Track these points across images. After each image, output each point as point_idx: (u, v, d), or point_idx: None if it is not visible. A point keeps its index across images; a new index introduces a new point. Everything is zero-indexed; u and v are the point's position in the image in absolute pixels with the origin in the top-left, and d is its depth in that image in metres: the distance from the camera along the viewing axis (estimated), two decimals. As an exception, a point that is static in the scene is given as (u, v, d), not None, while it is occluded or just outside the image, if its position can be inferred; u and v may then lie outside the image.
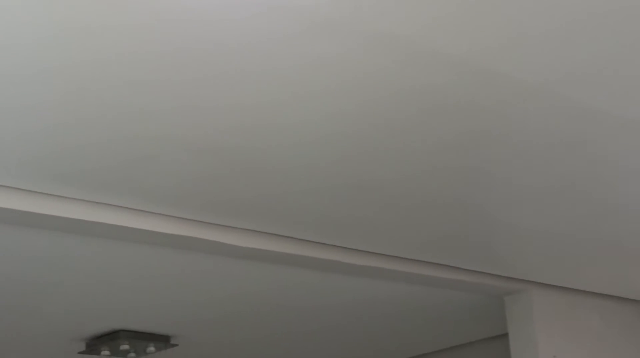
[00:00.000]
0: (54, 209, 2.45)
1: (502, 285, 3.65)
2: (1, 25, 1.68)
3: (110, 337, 3.99)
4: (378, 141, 2.32)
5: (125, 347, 3.97)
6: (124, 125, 2.11)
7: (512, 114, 2.25)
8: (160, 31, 1.76)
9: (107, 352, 4.03)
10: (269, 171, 2.45)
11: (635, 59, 2.04)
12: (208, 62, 1.88)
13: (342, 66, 1.94)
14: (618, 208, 3.01)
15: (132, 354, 4.08)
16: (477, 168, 2.57)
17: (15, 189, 2.38)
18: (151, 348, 4.06)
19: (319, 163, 2.42)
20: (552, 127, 2.35)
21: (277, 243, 2.90)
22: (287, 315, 4.01)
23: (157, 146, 2.22)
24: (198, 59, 1.87)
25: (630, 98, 2.23)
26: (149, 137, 2.18)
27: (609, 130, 2.40)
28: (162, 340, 4.10)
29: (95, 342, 4.02)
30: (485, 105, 2.19)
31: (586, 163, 2.61)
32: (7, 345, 4.09)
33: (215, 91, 2.00)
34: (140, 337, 4.00)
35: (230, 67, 1.91)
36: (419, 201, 2.76)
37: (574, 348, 3.79)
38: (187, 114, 2.09)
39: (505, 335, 3.83)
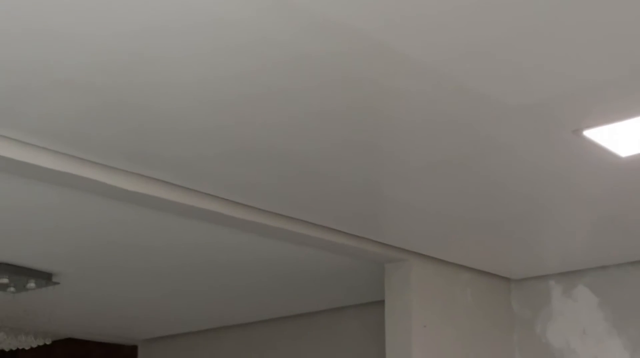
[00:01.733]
0: None
1: (383, 253, 3.76)
2: None
3: (-10, 270, 3.94)
4: (272, 105, 2.36)
5: (4, 280, 3.94)
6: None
7: (403, 91, 2.31)
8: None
9: (-15, 285, 3.99)
10: (163, 124, 2.46)
11: (523, 48, 2.12)
12: (110, 13, 1.89)
13: (243, 26, 1.97)
14: (498, 190, 3.14)
15: (12, 288, 4.05)
16: (364, 141, 2.64)
17: None
18: (31, 285, 4.03)
19: (212, 122, 2.45)
20: (438, 106, 2.43)
21: (164, 189, 2.90)
22: (168, 266, 4.04)
23: (39, 77, 2.19)
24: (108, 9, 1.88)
25: (515, 86, 2.33)
26: (31, 65, 2.14)
27: (494, 114, 2.49)
28: (44, 277, 4.07)
29: (-26, 274, 3.97)
30: (378, 80, 2.24)
31: (471, 144, 2.71)
32: None
33: (113, 41, 2.00)
34: (21, 272, 3.96)
35: (130, 19, 1.91)
36: (310, 166, 2.81)
37: (444, 319, 3.96)
38: (89, 62, 2.10)
39: (381, 302, 3.96)
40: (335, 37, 2.03)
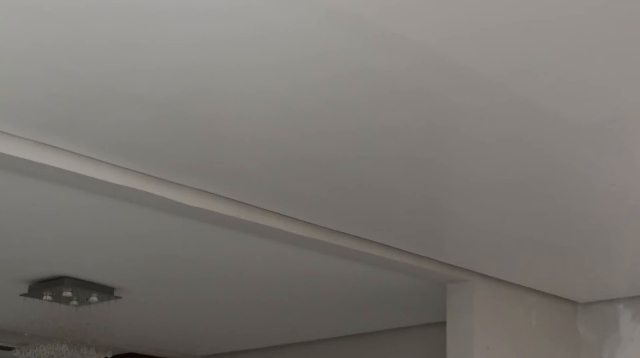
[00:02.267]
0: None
1: (445, 273, 3.70)
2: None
3: (54, 283, 3.99)
4: (333, 119, 2.34)
5: (68, 293, 3.98)
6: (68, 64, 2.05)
7: (467, 106, 2.27)
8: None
9: (49, 297, 4.04)
10: (222, 137, 2.46)
11: (592, 66, 2.06)
12: (173, 25, 1.89)
13: (303, 39, 1.95)
14: (564, 210, 3.06)
15: (75, 302, 4.10)
16: (427, 157, 2.59)
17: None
18: (94, 298, 4.07)
19: (272, 135, 2.44)
20: (505, 124, 2.37)
21: (224, 205, 2.90)
22: (229, 282, 4.04)
23: (102, 88, 2.19)
24: (161, 20, 1.87)
25: (583, 105, 2.26)
26: (95, 77, 2.14)
27: (560, 133, 2.43)
28: (106, 292, 4.11)
29: (39, 286, 4.02)
30: (442, 95, 2.21)
31: (536, 163, 2.64)
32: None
33: (176, 53, 2.01)
34: (84, 286, 4.00)
35: (193, 32, 1.92)
36: (370, 182, 2.78)
37: (507, 342, 3.87)
38: (152, 74, 2.10)
39: (442, 323, 3.89)
40: (399, 51, 2.00)
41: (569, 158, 2.61)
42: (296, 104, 2.26)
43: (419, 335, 4.66)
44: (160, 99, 2.23)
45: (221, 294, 4.25)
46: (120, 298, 4.20)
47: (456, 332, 3.79)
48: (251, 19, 1.87)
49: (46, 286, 4.00)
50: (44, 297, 4.03)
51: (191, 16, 1.86)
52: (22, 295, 4.10)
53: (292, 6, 1.83)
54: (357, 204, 2.99)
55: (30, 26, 1.89)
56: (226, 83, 2.15)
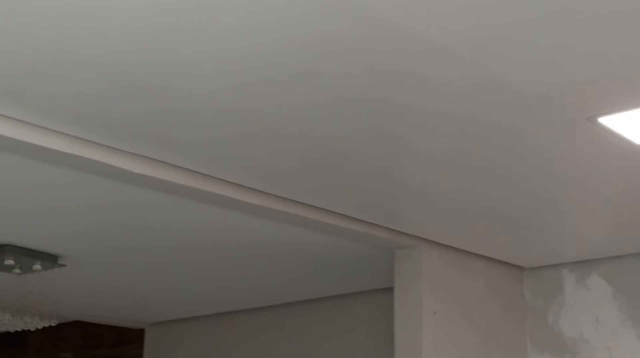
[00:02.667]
0: None
1: (394, 239, 3.71)
2: None
3: (-4, 251, 3.91)
4: (287, 87, 2.31)
5: (10, 262, 3.90)
6: (18, 28, 2.00)
7: (421, 76, 2.26)
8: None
9: (-10, 266, 3.96)
10: (176, 105, 2.42)
11: (541, 35, 2.07)
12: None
13: (262, 6, 1.91)
14: (512, 177, 3.08)
15: (17, 270, 4.01)
16: (381, 126, 2.58)
17: None
18: (37, 266, 4.00)
19: (226, 104, 2.40)
20: (457, 92, 2.37)
21: (174, 173, 2.86)
22: (177, 250, 4.00)
23: (53, 55, 2.13)
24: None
25: (532, 73, 2.27)
26: (46, 44, 2.08)
27: (511, 101, 2.44)
28: (50, 259, 4.04)
29: (-20, 254, 3.93)
30: (396, 64, 2.19)
31: (487, 131, 2.65)
32: None
33: (129, 19, 1.95)
34: (27, 254, 3.92)
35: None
36: (320, 150, 2.76)
37: (455, 307, 3.91)
38: (104, 41, 2.05)
39: (391, 289, 3.91)
40: (357, 19, 1.97)
41: (519, 125, 2.62)
42: (255, 72, 2.22)
43: (369, 300, 4.69)
44: (112, 66, 2.18)
45: (170, 261, 4.21)
46: (64, 266, 4.12)
47: (404, 297, 3.81)
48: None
49: (-13, 254, 3.92)
50: (-15, 266, 3.94)
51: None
52: (-38, 263, 4.00)
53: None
54: (307, 172, 2.97)
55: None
56: (181, 50, 2.10)
